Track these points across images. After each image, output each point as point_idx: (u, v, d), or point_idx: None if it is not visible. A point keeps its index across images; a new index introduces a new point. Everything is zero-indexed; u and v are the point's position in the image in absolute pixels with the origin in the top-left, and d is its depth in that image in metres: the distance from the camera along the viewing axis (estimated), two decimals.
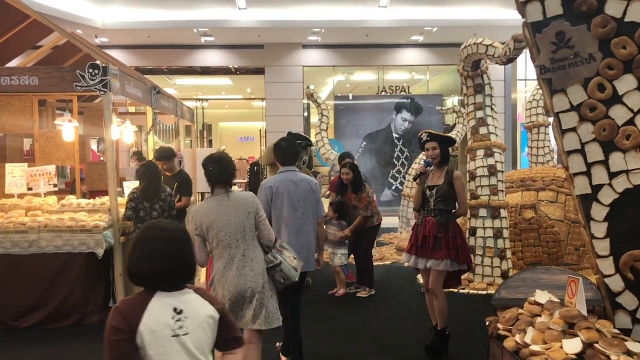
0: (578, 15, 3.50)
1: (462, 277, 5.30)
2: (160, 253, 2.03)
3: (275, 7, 12.35)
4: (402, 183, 13.88)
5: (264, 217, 3.73)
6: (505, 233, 7.24)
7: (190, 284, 2.15)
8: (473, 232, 7.28)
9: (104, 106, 6.03)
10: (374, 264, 8.61)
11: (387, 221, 11.57)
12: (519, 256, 7.76)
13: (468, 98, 7.57)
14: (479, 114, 7.46)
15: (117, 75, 6.13)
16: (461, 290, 6.89)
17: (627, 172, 3.48)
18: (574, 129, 3.60)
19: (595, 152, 3.55)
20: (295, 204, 4.22)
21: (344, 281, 7.02)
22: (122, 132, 7.99)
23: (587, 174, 3.60)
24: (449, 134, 11.15)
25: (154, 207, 5.77)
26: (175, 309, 2.01)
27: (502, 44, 6.64)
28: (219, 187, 3.66)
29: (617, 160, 3.50)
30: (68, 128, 7.06)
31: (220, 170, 3.63)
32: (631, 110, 3.44)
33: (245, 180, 17.82)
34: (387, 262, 8.81)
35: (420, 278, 7.22)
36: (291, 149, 4.42)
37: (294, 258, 3.82)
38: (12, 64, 7.94)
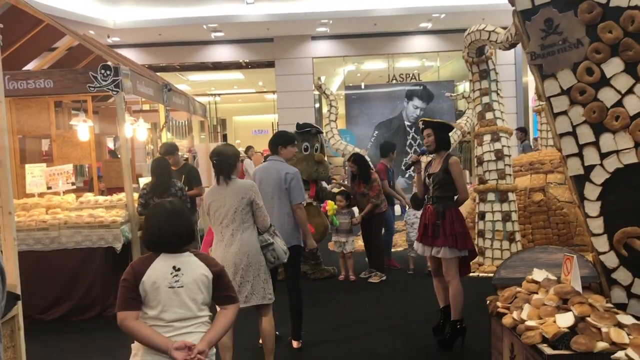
0: (565, 2, 3.59)
1: (473, 261, 5.28)
2: (164, 223, 2.57)
3: (282, 0, 12.49)
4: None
5: (260, 205, 4.12)
6: (514, 216, 7.34)
7: (193, 248, 2.65)
8: (482, 216, 7.41)
9: (117, 105, 6.26)
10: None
11: (398, 209, 11.72)
12: (529, 238, 7.86)
13: (474, 84, 7.67)
14: (485, 99, 7.55)
15: (129, 75, 6.34)
16: (472, 274, 7.01)
17: (617, 152, 3.59)
18: (565, 112, 3.71)
19: (586, 134, 3.66)
20: (267, 190, 4.69)
21: (352, 266, 7.21)
22: (135, 130, 8.22)
23: (579, 155, 3.70)
24: (459, 120, 11.25)
25: None
26: (174, 267, 2.53)
27: (505, 29, 6.73)
28: (222, 177, 4.11)
29: (607, 141, 3.60)
30: (83, 128, 7.31)
31: (220, 163, 4.11)
32: (619, 92, 3.54)
33: None
34: (399, 249, 8.96)
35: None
36: (272, 141, 4.95)
37: (284, 244, 4.31)
38: (29, 67, 8.19)
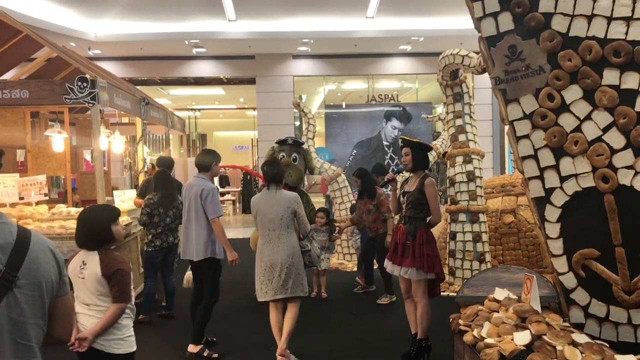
0: (528, 30, 3.74)
1: (444, 281, 5.27)
2: (77, 226, 3.13)
3: (264, 18, 12.63)
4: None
5: (302, 214, 4.80)
6: (485, 237, 7.46)
7: (106, 247, 3.09)
8: (453, 236, 7.51)
9: (92, 118, 6.27)
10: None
11: None
12: (500, 260, 7.98)
13: (448, 107, 7.83)
14: (458, 121, 7.70)
15: (106, 88, 6.36)
16: (442, 293, 7.06)
17: (576, 175, 3.72)
18: (527, 136, 3.84)
19: (547, 157, 3.79)
20: (187, 204, 5.19)
21: (324, 284, 7.25)
22: (111, 143, 8.22)
23: (541, 177, 3.83)
24: (434, 142, 11.41)
25: (167, 214, 6.09)
26: (83, 261, 3.05)
27: (478, 54, 6.91)
28: (272, 185, 4.76)
29: (567, 165, 3.74)
30: (58, 139, 7.30)
31: (273, 172, 4.76)
32: (578, 117, 3.68)
33: (239, 189, 18.12)
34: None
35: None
36: (198, 161, 5.33)
37: (319, 248, 5.45)
38: (6, 76, 8.18)
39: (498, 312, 3.76)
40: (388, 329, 5.87)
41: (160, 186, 6.17)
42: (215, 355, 5.12)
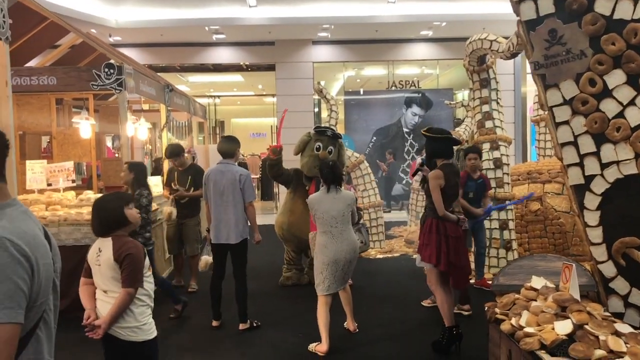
0: (569, 13, 3.65)
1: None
2: (92, 217, 3.17)
3: (285, 4, 12.54)
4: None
5: (355, 209, 5.08)
6: (511, 225, 7.39)
7: (119, 233, 3.10)
8: None
9: (120, 104, 6.28)
10: (383, 256, 8.87)
11: (397, 215, 11.80)
12: (526, 247, 7.90)
13: (474, 92, 7.72)
14: (485, 108, 7.60)
15: (132, 74, 6.36)
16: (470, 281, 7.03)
17: (617, 162, 3.64)
18: (567, 122, 3.76)
19: (587, 144, 3.71)
20: (220, 189, 5.37)
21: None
22: (137, 129, 8.23)
23: (580, 165, 3.76)
24: (457, 129, 11.30)
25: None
26: (99, 248, 3.09)
27: (506, 38, 6.79)
28: (332, 187, 4.93)
29: (608, 152, 3.66)
30: (85, 126, 7.32)
31: (333, 175, 4.94)
32: (621, 103, 3.59)
33: (258, 176, 18.12)
34: (396, 255, 8.98)
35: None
36: (223, 148, 5.56)
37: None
38: (31, 63, 8.21)
39: (536, 300, 3.70)
40: (420, 317, 5.84)
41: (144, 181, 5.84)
42: (259, 323, 5.64)
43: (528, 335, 3.35)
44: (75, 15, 11.42)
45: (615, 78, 3.58)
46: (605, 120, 3.63)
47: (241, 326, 5.50)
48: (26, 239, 1.55)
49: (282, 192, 15.17)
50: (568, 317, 3.34)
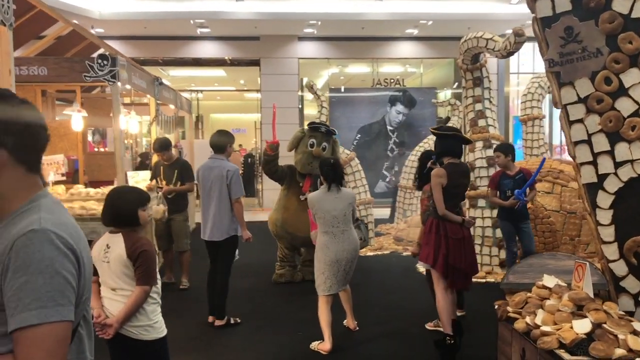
0: (586, 10, 3.64)
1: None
2: (107, 207, 3.05)
3: None
4: (396, 175, 13.97)
5: (355, 207, 5.02)
6: None
7: (129, 230, 3.00)
8: None
9: (113, 97, 6.12)
10: (374, 253, 8.84)
11: (381, 212, 11.78)
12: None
13: (467, 91, 7.72)
14: (478, 106, 7.61)
15: (125, 66, 6.21)
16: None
17: (632, 161, 3.64)
18: (581, 121, 3.75)
19: (601, 142, 3.71)
20: (207, 185, 5.33)
21: None
22: (127, 122, 8.05)
23: (594, 163, 3.75)
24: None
25: None
26: (107, 245, 3.00)
27: (501, 37, 6.81)
28: (333, 185, 4.80)
29: (622, 151, 3.66)
30: (77, 118, 7.12)
31: (334, 173, 4.81)
32: (636, 102, 3.59)
33: (240, 172, 17.95)
34: (386, 252, 8.96)
35: (419, 267, 7.40)
36: (215, 142, 5.47)
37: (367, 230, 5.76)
38: (15, 54, 7.95)
39: (549, 299, 3.69)
40: (418, 314, 5.81)
41: None
42: (238, 320, 5.52)
43: (545, 334, 3.33)
44: (57, 5, 11.12)
45: (632, 77, 3.58)
46: (620, 119, 3.63)
47: (217, 322, 5.42)
48: (69, 231, 1.45)
49: (266, 189, 15.12)
50: (585, 316, 3.33)
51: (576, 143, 3.79)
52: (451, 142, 4.74)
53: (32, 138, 1.50)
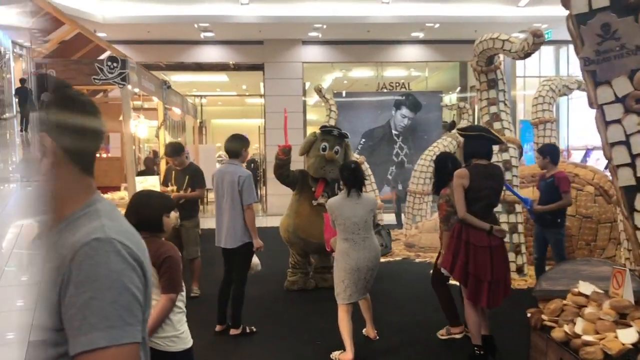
0: (625, 7, 3.50)
1: None
2: (130, 211, 2.90)
3: (277, 2, 12.31)
4: (403, 180, 13.79)
5: (376, 213, 4.85)
6: (520, 228, 7.28)
7: (152, 235, 2.83)
8: None
9: (123, 100, 5.98)
10: (385, 260, 8.67)
11: (387, 218, 11.63)
12: (531, 251, 7.78)
13: (481, 93, 7.57)
14: (493, 109, 7.45)
15: (135, 69, 6.07)
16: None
17: None
18: (618, 121, 3.61)
19: None
20: (220, 191, 5.24)
21: None
22: (137, 127, 7.91)
23: (632, 165, 3.61)
24: (453, 131, 11.19)
25: None
26: None
27: (518, 38, 6.67)
28: (353, 191, 4.63)
29: None
30: None
31: (355, 178, 4.65)
32: None
33: None
34: (398, 258, 8.81)
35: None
36: (229, 147, 5.36)
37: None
38: None
39: (586, 307, 3.53)
40: (438, 322, 5.64)
41: None
42: (254, 329, 5.35)
43: (587, 344, 3.18)
44: (61, 9, 11.00)
45: None
46: None
47: (232, 331, 5.29)
48: (133, 240, 1.28)
49: (270, 194, 14.94)
50: (629, 325, 3.18)
51: (613, 144, 3.65)
52: (478, 142, 4.45)
53: (89, 138, 1.37)
